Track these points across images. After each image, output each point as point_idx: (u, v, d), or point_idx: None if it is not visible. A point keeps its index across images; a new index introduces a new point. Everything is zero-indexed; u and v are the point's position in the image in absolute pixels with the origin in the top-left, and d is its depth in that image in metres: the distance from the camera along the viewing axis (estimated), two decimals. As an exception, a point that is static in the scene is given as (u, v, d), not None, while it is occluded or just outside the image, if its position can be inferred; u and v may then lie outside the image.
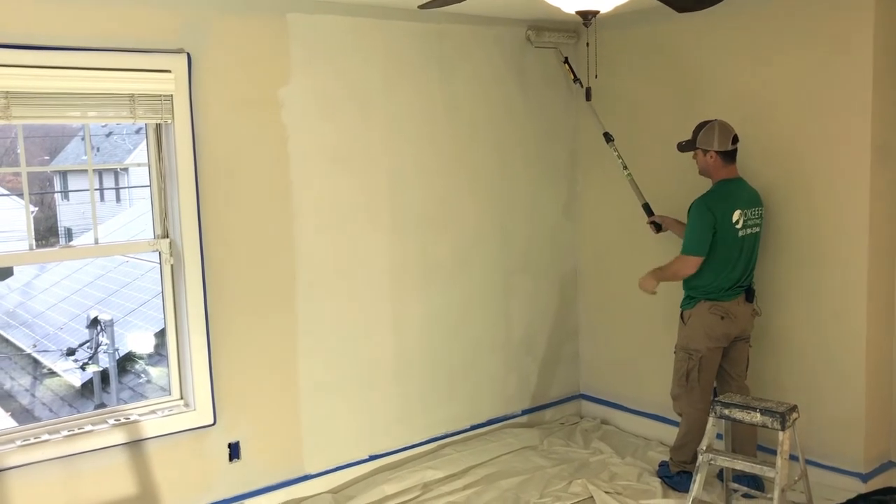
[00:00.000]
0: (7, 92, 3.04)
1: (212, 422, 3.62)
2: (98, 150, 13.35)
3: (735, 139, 3.73)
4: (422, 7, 2.96)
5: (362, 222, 4.05)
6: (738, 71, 4.01)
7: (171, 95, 3.41)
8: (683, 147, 3.86)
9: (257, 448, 3.77)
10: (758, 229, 3.80)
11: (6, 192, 12.55)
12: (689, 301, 3.88)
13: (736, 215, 3.70)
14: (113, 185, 14.27)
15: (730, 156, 3.75)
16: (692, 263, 3.76)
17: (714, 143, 3.72)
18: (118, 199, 14.33)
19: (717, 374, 3.91)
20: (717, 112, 3.95)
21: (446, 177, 4.35)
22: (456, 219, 4.41)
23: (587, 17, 2.39)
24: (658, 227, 4.16)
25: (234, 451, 3.71)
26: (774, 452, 3.16)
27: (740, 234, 3.73)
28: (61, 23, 3.15)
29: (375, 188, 4.08)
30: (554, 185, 4.84)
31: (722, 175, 3.78)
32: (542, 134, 4.74)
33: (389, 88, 4.08)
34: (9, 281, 11.92)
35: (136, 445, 3.45)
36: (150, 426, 3.49)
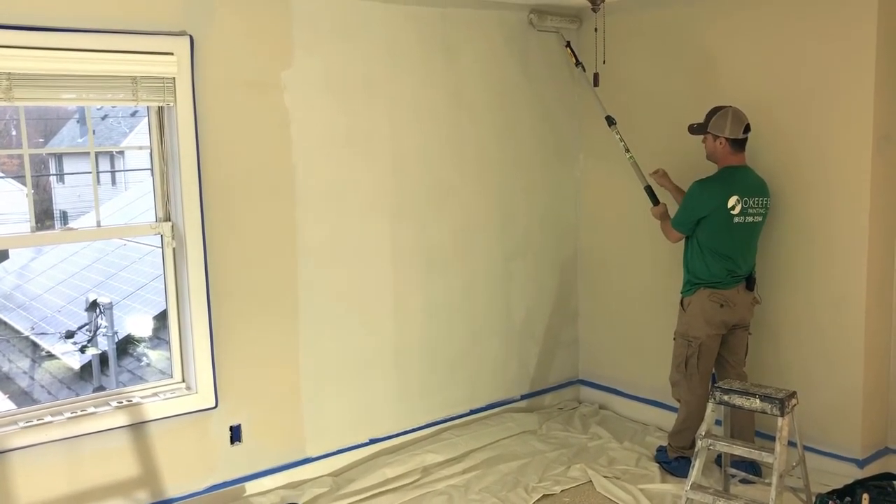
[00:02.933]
0: (9, 73, 3.02)
1: (213, 405, 3.63)
2: (94, 132, 13.28)
3: (747, 128, 3.72)
4: None
5: (365, 205, 4.04)
6: (743, 57, 4.00)
7: (174, 78, 3.39)
8: (695, 130, 3.85)
9: (259, 431, 3.79)
10: (760, 218, 3.79)
11: (1, 174, 12.49)
12: (689, 288, 3.89)
13: (732, 201, 3.71)
14: (109, 169, 14.21)
15: (739, 144, 3.74)
16: (674, 236, 3.97)
17: (726, 130, 3.71)
18: (114, 182, 14.28)
19: (715, 361, 3.93)
20: (722, 98, 3.94)
21: (448, 160, 4.34)
22: (458, 203, 4.41)
23: (596, 2, 2.38)
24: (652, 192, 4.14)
25: (235, 433, 3.72)
26: (773, 438, 3.18)
27: (735, 220, 3.73)
28: (64, 4, 3.13)
29: (378, 172, 4.08)
30: (555, 169, 4.84)
31: (729, 162, 3.78)
32: (543, 117, 4.73)
33: (392, 71, 4.07)
34: (5, 264, 11.88)
35: (137, 428, 3.46)
36: (152, 409, 3.49)
